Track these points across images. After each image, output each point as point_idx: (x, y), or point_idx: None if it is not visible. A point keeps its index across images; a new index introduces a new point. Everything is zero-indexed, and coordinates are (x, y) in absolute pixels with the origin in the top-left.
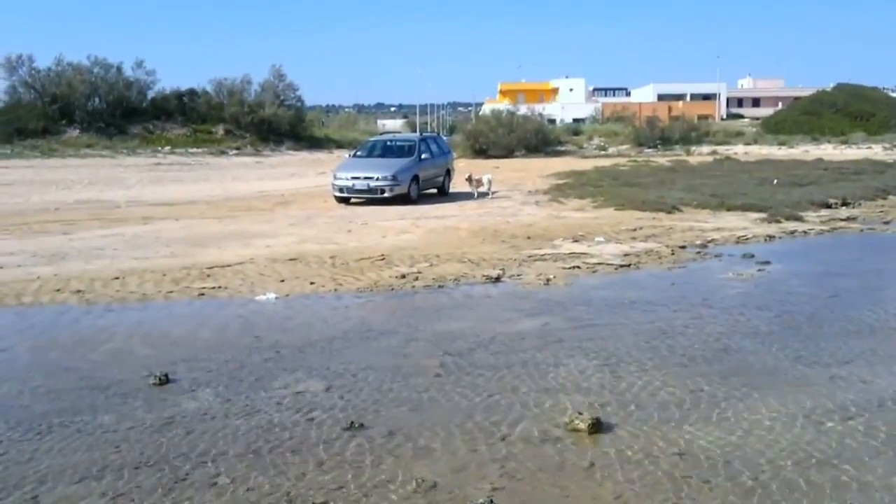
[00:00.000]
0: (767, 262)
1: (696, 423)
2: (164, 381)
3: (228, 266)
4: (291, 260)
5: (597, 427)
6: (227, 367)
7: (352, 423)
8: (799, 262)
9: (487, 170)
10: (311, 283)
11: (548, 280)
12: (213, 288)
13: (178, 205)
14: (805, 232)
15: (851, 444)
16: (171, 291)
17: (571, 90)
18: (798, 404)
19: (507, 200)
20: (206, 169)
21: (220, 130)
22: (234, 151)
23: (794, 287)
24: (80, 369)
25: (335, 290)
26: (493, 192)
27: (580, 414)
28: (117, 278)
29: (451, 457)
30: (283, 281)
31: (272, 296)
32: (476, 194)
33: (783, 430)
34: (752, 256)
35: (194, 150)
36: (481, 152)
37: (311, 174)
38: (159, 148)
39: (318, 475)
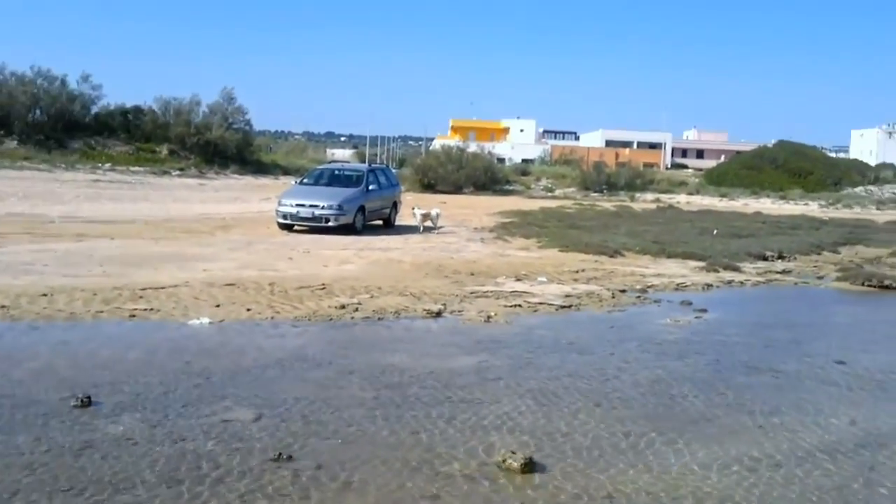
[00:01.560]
0: (704, 310)
1: (627, 466)
2: (87, 403)
3: (162, 288)
4: (228, 285)
5: (529, 466)
6: (154, 392)
7: (279, 454)
8: (735, 312)
9: (435, 204)
10: (248, 310)
11: (489, 317)
12: (145, 310)
13: (114, 223)
14: (742, 282)
15: (778, 493)
16: (101, 311)
17: (522, 131)
18: (726, 452)
19: (453, 236)
20: (146, 188)
21: (164, 150)
22: (178, 172)
23: (729, 336)
24: None
25: (272, 317)
26: (439, 227)
27: (513, 453)
28: (45, 295)
29: (380, 493)
30: (218, 306)
31: (206, 321)
32: (422, 228)
33: (711, 477)
34: (690, 304)
35: (136, 168)
36: (429, 187)
37: (255, 199)
38: (99, 164)
39: None
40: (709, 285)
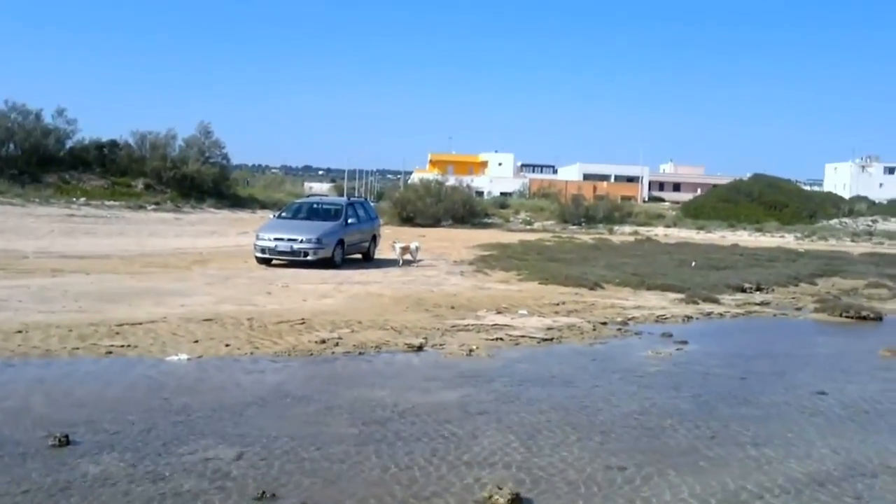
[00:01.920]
0: (685, 342)
1: (618, 501)
2: (65, 442)
3: (139, 324)
4: (207, 320)
5: (517, 503)
6: (133, 430)
7: (262, 493)
8: (715, 343)
9: (414, 238)
10: (227, 346)
11: (470, 351)
12: (122, 346)
13: (89, 258)
14: (721, 314)
15: None
16: (77, 348)
17: (500, 164)
18: (719, 484)
19: (433, 269)
20: (122, 223)
21: (139, 184)
22: (153, 206)
23: (710, 367)
24: None
25: (251, 353)
26: (418, 261)
27: (500, 489)
28: (20, 332)
29: None
30: (196, 342)
31: (184, 357)
32: (401, 262)
33: None
34: (671, 335)
35: (111, 202)
36: (408, 220)
37: (233, 233)
38: (74, 199)
39: None
40: (689, 317)
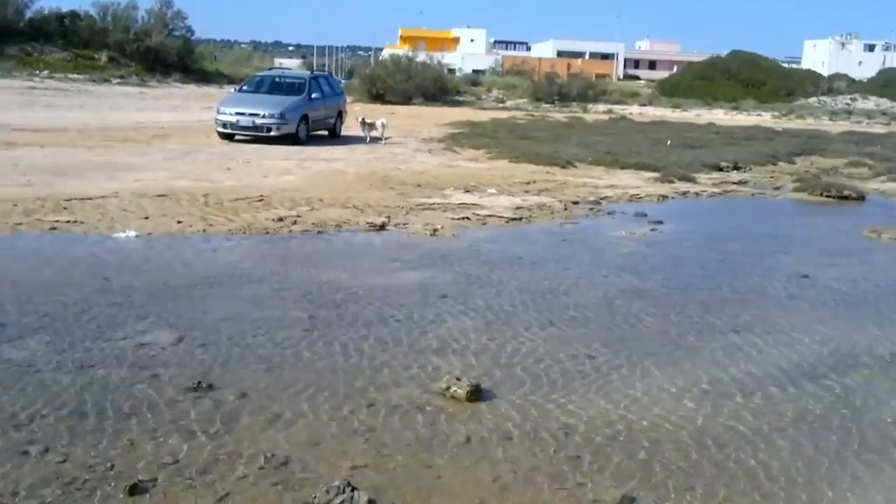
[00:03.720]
0: (660, 222)
1: (584, 394)
2: None
3: (89, 199)
4: (160, 196)
5: (476, 395)
6: (66, 312)
7: (199, 382)
8: (691, 224)
9: (384, 115)
10: (179, 223)
11: (435, 230)
12: (68, 222)
13: (46, 131)
14: (697, 193)
15: (750, 420)
16: (20, 224)
17: (472, 41)
18: (693, 376)
19: (400, 147)
20: (84, 96)
21: (103, 57)
22: (118, 80)
23: (686, 249)
24: None
25: (204, 230)
26: (386, 138)
27: (458, 380)
28: None
29: (308, 427)
30: (146, 218)
31: (132, 234)
32: (368, 139)
33: (677, 405)
34: (645, 215)
35: (75, 76)
36: (378, 97)
37: (197, 108)
38: (37, 72)
39: (149, 445)
40: (664, 196)
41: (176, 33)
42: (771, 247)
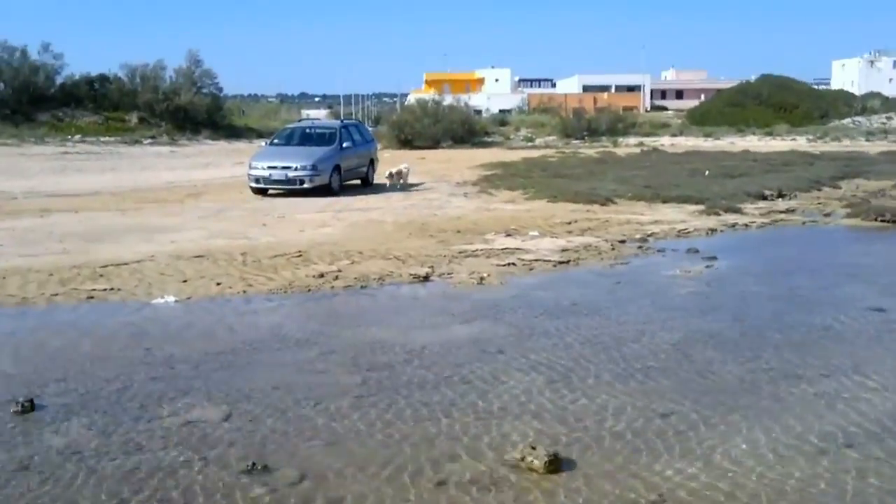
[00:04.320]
0: (714, 258)
1: (672, 459)
2: (29, 408)
3: (125, 264)
4: (197, 257)
5: (555, 465)
6: (108, 390)
7: (253, 464)
8: (747, 258)
9: (407, 160)
10: (217, 284)
11: (481, 279)
12: (105, 290)
13: (80, 196)
14: (746, 225)
15: (857, 480)
16: (56, 294)
17: (497, 80)
18: (786, 430)
19: (434, 192)
20: (116, 158)
21: (133, 118)
22: (149, 140)
23: (747, 286)
24: None
25: (244, 291)
26: (417, 184)
27: (533, 449)
28: None
29: None
30: (185, 281)
31: (171, 299)
32: (398, 186)
33: (777, 465)
34: (697, 251)
35: (106, 138)
36: (407, 143)
37: (228, 164)
38: (69, 136)
39: None
40: (712, 230)
41: (204, 91)
42: (836, 279)
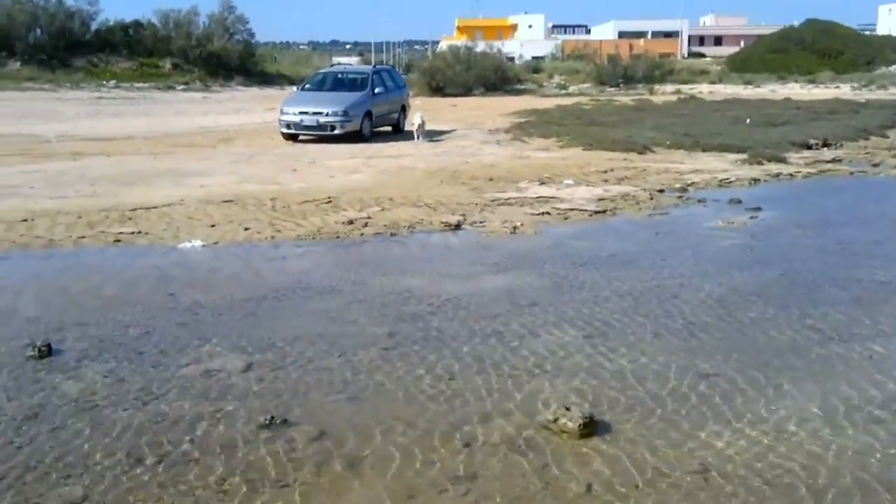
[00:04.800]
0: (758, 209)
1: (717, 424)
2: (46, 353)
3: (154, 208)
4: (226, 202)
5: (590, 428)
6: (128, 335)
7: (272, 418)
8: (793, 209)
9: (437, 108)
10: (246, 229)
11: (514, 228)
12: (133, 233)
13: (113, 140)
14: (791, 175)
15: None
16: (83, 237)
17: (530, 27)
18: (839, 396)
19: (466, 140)
20: (149, 104)
21: (167, 64)
22: (182, 87)
23: (795, 238)
24: None
25: (272, 237)
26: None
27: (567, 410)
28: (25, 220)
29: (398, 475)
30: (213, 226)
31: (198, 243)
32: (419, 137)
33: (827, 433)
34: (740, 202)
35: (140, 84)
36: (438, 90)
37: (260, 110)
38: (104, 82)
39: (214, 498)
40: (755, 180)
41: (237, 37)
42: (889, 232)
